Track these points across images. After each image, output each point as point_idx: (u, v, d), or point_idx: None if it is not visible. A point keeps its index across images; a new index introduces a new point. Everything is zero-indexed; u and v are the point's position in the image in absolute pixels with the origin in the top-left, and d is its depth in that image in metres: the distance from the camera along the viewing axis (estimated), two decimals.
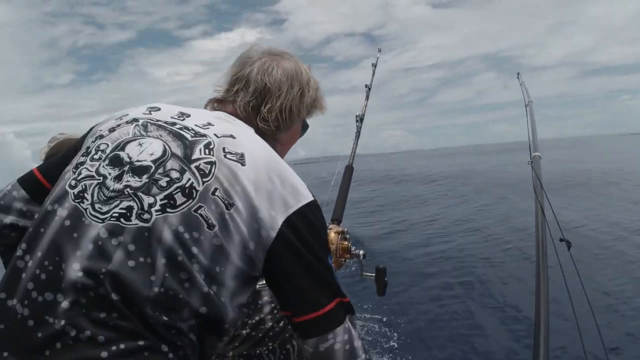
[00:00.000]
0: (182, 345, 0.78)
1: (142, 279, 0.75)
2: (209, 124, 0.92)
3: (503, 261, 5.52)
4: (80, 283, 0.74)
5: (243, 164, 0.84)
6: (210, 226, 0.79)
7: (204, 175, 0.82)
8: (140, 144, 0.87)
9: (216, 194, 0.81)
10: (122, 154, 0.86)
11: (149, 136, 0.88)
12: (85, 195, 0.82)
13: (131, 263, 0.76)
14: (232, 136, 0.89)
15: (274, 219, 0.82)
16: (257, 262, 0.83)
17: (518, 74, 2.46)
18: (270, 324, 1.41)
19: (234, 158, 0.85)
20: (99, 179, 0.83)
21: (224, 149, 0.86)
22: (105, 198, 0.80)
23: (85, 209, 0.80)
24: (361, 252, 1.32)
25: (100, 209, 0.80)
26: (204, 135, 0.88)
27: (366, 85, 1.88)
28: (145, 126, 0.91)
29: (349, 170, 1.62)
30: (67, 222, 0.80)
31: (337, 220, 1.42)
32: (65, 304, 0.74)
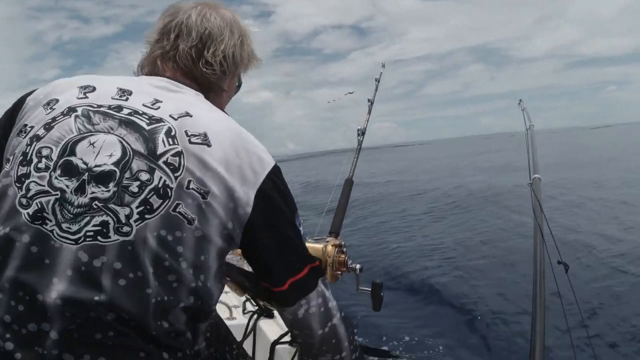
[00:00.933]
0: (181, 347, 0.78)
1: (137, 295, 0.72)
2: (157, 100, 0.84)
3: (499, 279, 5.49)
4: (68, 311, 0.69)
5: (209, 145, 0.80)
6: (191, 221, 0.76)
7: (174, 170, 0.76)
8: (91, 144, 0.76)
9: (191, 186, 0.76)
10: (74, 160, 0.75)
11: (98, 130, 0.77)
12: (45, 215, 0.72)
13: (122, 282, 0.71)
14: (188, 114, 0.83)
15: (247, 194, 0.81)
16: (236, 238, 0.83)
17: (520, 100, 2.51)
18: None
19: (199, 140, 0.80)
20: (56, 194, 0.73)
21: (186, 132, 0.80)
22: (71, 216, 0.72)
23: (51, 231, 0.71)
24: (358, 266, 1.32)
25: (69, 228, 0.71)
26: (160, 120, 0.80)
27: (369, 100, 1.88)
28: (88, 117, 0.79)
29: (349, 183, 1.62)
30: (34, 249, 0.71)
31: (335, 232, 1.43)
32: (53, 333, 0.69)
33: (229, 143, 0.82)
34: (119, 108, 0.81)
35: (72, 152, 0.75)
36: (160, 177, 0.75)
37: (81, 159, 0.75)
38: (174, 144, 0.78)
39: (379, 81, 1.96)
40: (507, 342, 3.83)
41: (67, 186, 0.73)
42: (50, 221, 0.72)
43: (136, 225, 0.73)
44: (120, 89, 0.85)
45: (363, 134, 1.75)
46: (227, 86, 1.02)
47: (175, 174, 0.76)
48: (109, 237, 0.71)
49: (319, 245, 1.30)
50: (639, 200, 9.31)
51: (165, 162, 0.76)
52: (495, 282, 5.46)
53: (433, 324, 4.41)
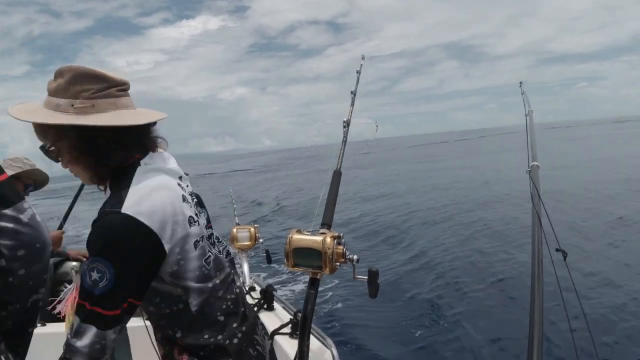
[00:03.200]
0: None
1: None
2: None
3: (498, 270, 5.50)
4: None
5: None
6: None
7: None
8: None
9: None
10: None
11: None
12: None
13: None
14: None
15: None
16: None
17: (521, 83, 2.38)
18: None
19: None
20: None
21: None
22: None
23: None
24: (355, 256, 1.35)
25: None
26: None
27: (351, 92, 1.93)
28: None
29: (337, 175, 1.64)
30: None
31: (327, 224, 1.44)
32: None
33: None
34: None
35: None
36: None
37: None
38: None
39: (359, 73, 2.00)
40: (506, 329, 3.84)
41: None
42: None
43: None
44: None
45: (348, 125, 1.77)
46: None
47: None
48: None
49: (318, 238, 1.31)
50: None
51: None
52: (493, 272, 5.47)
53: (427, 309, 4.42)
